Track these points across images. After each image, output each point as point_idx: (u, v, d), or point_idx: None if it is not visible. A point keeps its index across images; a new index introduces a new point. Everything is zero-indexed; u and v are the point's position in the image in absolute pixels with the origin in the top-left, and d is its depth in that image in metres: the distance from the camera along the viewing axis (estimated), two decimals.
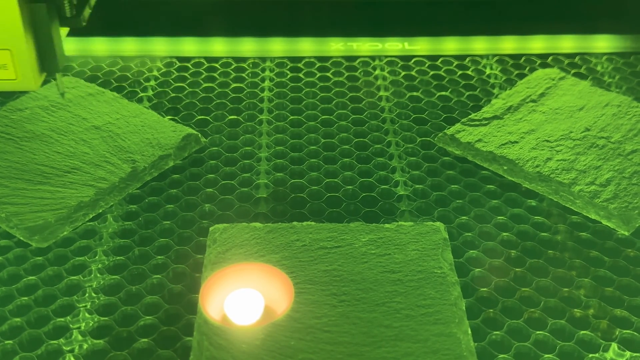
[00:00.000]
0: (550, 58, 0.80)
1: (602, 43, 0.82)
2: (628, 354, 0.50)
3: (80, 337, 0.51)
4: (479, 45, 0.82)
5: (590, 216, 0.60)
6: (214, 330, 0.49)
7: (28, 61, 0.46)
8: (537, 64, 0.79)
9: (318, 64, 0.79)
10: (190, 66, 0.78)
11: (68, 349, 0.50)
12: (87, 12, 0.49)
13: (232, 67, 0.78)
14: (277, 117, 0.72)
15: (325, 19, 0.86)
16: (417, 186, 0.64)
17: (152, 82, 0.76)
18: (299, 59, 0.80)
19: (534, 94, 0.72)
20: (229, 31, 0.83)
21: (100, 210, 0.60)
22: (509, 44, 0.82)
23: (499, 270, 0.56)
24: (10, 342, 0.50)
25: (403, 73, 0.78)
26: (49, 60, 0.48)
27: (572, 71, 0.78)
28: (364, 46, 0.82)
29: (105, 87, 0.73)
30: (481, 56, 0.80)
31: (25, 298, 0.53)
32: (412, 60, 0.80)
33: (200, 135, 0.68)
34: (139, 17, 0.86)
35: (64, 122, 0.67)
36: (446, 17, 0.86)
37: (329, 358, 0.48)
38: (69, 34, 0.81)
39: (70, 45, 0.80)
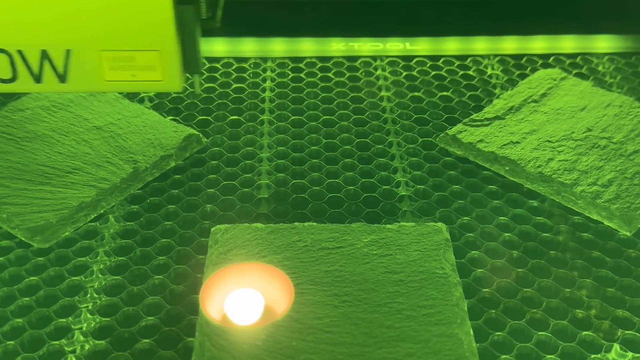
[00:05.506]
0: (551, 58, 0.80)
1: (604, 43, 0.82)
2: (630, 354, 0.50)
3: (82, 338, 0.51)
4: (481, 45, 0.82)
5: (592, 217, 0.60)
6: (216, 331, 0.49)
7: (175, 63, 0.46)
8: (539, 64, 0.79)
9: (319, 64, 0.79)
10: None
11: (70, 349, 0.50)
12: (219, 13, 0.49)
13: (233, 67, 0.78)
14: (279, 118, 0.72)
15: (326, 19, 0.86)
16: (419, 187, 0.64)
17: None
18: (300, 59, 0.80)
19: (535, 94, 0.72)
20: (229, 31, 0.82)
21: (102, 211, 0.60)
22: (510, 44, 0.82)
23: (500, 271, 0.56)
24: (12, 342, 0.50)
25: (404, 73, 0.78)
26: (190, 62, 0.47)
27: (574, 71, 0.78)
28: (365, 46, 0.82)
29: None
30: (482, 56, 0.80)
31: (27, 298, 0.53)
32: (414, 61, 0.80)
33: (201, 135, 0.68)
34: None
35: (65, 122, 0.67)
36: (447, 17, 0.86)
37: (330, 358, 0.48)
38: None
39: None
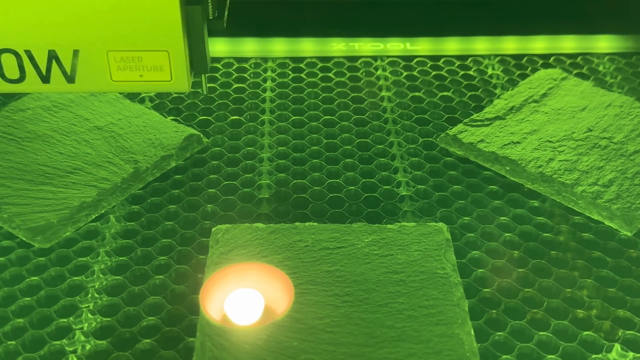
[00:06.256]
0: (552, 58, 0.80)
1: (604, 43, 0.82)
2: (631, 354, 0.50)
3: (82, 338, 0.51)
4: (481, 45, 0.82)
5: (592, 217, 0.60)
6: (217, 331, 0.49)
7: (183, 63, 0.46)
8: (539, 64, 0.79)
9: (320, 64, 0.79)
10: None
11: (71, 349, 0.50)
12: (226, 13, 0.49)
13: (234, 67, 0.78)
14: (279, 118, 0.72)
15: (326, 19, 0.86)
16: (420, 187, 0.64)
17: None
18: (300, 59, 0.80)
19: (536, 94, 0.72)
20: (230, 31, 0.82)
21: (103, 211, 0.60)
22: (511, 44, 0.82)
23: (501, 271, 0.56)
24: (13, 342, 0.50)
25: (405, 73, 0.78)
26: (198, 62, 0.48)
27: (574, 71, 0.78)
28: (365, 46, 0.82)
29: None
30: (483, 56, 0.80)
31: (28, 299, 0.53)
32: (414, 61, 0.80)
33: (202, 135, 0.68)
34: None
35: (66, 122, 0.67)
36: (448, 17, 0.86)
37: (331, 359, 0.48)
38: None
39: None
